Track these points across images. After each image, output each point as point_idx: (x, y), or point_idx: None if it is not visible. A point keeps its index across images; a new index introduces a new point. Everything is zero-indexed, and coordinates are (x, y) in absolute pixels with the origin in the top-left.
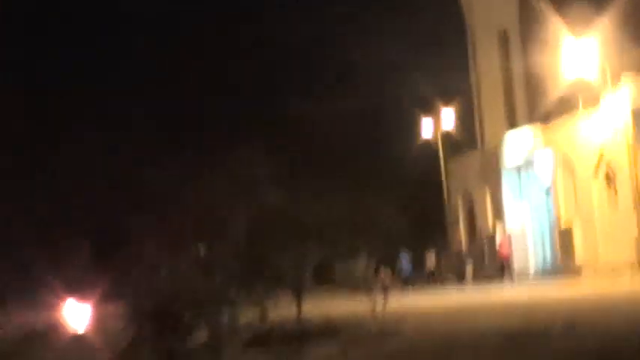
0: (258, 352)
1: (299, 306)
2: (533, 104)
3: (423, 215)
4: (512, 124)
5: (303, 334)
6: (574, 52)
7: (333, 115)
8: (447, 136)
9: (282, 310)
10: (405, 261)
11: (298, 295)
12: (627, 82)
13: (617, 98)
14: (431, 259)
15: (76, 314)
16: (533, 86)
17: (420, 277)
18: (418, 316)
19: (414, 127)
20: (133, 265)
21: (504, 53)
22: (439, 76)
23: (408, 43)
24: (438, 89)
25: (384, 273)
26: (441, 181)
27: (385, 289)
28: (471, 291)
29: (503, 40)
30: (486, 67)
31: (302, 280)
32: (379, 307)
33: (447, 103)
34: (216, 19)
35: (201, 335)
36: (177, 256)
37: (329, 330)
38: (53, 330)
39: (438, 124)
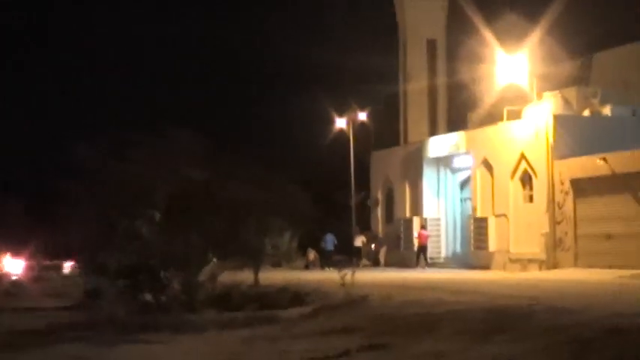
0: (232, 314)
1: (256, 273)
2: (455, 110)
3: (332, 199)
4: (434, 126)
5: (267, 297)
6: (502, 64)
7: (264, 114)
8: (365, 132)
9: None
10: (329, 242)
11: (256, 264)
12: (549, 95)
13: (541, 108)
14: (359, 241)
15: (13, 266)
16: (457, 94)
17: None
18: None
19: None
20: (75, 224)
21: (432, 61)
22: (367, 77)
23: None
24: (364, 90)
25: (310, 252)
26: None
27: (307, 267)
28: (392, 271)
29: (432, 48)
30: (414, 71)
31: (260, 250)
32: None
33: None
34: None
35: (172, 291)
36: (133, 219)
37: (290, 295)
38: None
39: (353, 119)
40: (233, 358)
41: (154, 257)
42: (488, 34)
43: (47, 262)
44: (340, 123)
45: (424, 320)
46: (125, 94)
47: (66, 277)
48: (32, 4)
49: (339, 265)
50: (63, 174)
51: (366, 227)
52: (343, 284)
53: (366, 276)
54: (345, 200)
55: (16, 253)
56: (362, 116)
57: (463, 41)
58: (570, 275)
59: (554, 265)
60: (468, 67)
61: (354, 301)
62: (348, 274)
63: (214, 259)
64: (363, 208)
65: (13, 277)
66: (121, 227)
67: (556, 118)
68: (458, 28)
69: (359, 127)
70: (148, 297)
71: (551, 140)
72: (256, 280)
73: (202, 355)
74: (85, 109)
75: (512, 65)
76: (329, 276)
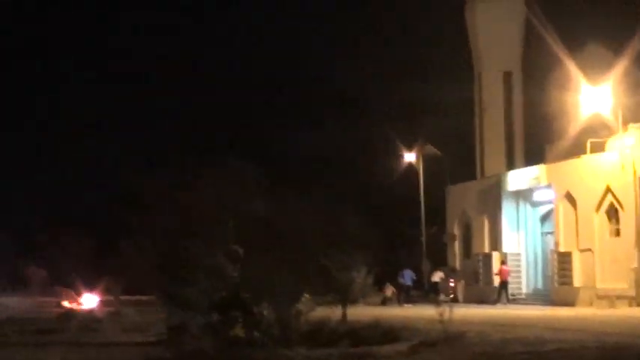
0: (326, 350)
1: (344, 309)
2: (533, 143)
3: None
4: (511, 160)
5: (357, 333)
6: (585, 95)
7: (334, 142)
8: (436, 166)
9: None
10: (407, 277)
11: (344, 299)
12: (634, 127)
13: (625, 140)
14: (437, 276)
15: (88, 301)
16: (534, 126)
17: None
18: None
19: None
20: (147, 258)
21: (508, 93)
22: (442, 110)
23: (418, 77)
24: (439, 123)
25: (388, 287)
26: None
27: (384, 303)
28: (474, 308)
29: (508, 80)
30: (490, 104)
31: (350, 285)
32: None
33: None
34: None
35: (265, 326)
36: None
37: (381, 331)
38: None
39: (421, 152)
40: None
41: (247, 292)
42: (569, 64)
43: (121, 297)
44: (409, 157)
45: (530, 359)
46: (183, 122)
47: (142, 311)
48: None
49: (417, 302)
50: (129, 206)
51: (440, 262)
52: (442, 321)
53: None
54: (416, 235)
55: (89, 288)
56: (432, 149)
57: (541, 72)
58: None
59: None
60: (545, 98)
61: (453, 338)
62: (446, 310)
63: (306, 295)
64: (434, 242)
65: (89, 312)
66: (203, 262)
67: None
68: (535, 59)
69: (429, 161)
70: (239, 332)
71: (639, 173)
72: (344, 315)
73: None
74: (147, 137)
75: (596, 96)
76: (415, 312)
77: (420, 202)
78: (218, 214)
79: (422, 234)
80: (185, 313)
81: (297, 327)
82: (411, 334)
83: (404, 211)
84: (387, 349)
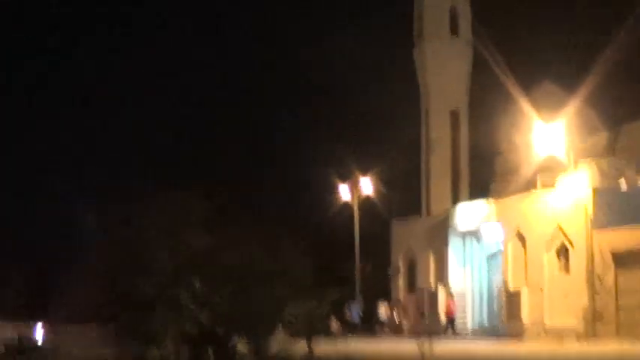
0: None
1: (309, 343)
2: (479, 180)
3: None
4: (456, 197)
5: None
6: (538, 134)
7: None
8: (368, 202)
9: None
10: (354, 311)
11: (309, 333)
12: (586, 165)
13: (576, 178)
14: (382, 309)
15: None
16: (480, 165)
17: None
18: None
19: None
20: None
21: (454, 131)
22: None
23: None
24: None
25: (332, 321)
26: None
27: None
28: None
29: (455, 118)
30: (436, 141)
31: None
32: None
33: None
34: None
35: None
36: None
37: None
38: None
39: (356, 189)
40: None
41: (221, 325)
42: (521, 101)
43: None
44: (345, 194)
45: None
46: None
47: (82, 345)
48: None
49: (364, 335)
50: (65, 241)
51: (375, 299)
52: (422, 356)
53: (404, 347)
54: (350, 271)
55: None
56: (366, 185)
57: (489, 111)
58: (616, 347)
59: (594, 337)
60: (493, 136)
61: None
62: (426, 344)
63: (280, 327)
64: (369, 279)
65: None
66: (162, 295)
67: (595, 190)
68: (484, 97)
69: (365, 200)
70: None
71: (590, 212)
72: (310, 349)
73: None
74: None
75: (548, 134)
76: (371, 346)
77: (354, 239)
78: (162, 247)
79: (356, 270)
80: (145, 346)
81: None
82: None
83: (340, 247)
84: None
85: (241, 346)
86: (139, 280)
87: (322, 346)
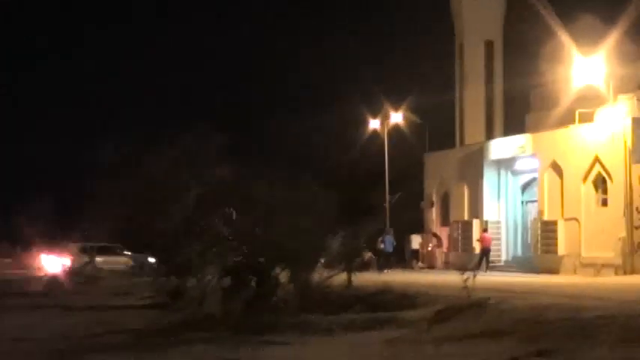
0: (347, 315)
1: (349, 275)
2: (514, 112)
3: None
4: (490, 129)
5: (366, 299)
6: (577, 66)
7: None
8: (399, 135)
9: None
10: (388, 243)
11: (347, 265)
12: (625, 97)
13: (615, 110)
14: (416, 241)
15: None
16: (515, 95)
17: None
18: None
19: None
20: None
21: (489, 62)
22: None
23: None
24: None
25: (365, 253)
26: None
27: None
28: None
29: (489, 49)
30: (471, 73)
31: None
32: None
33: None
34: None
35: (283, 291)
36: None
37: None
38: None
39: (387, 121)
40: None
41: (262, 256)
42: (559, 34)
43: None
44: (374, 124)
45: (575, 326)
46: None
47: (116, 272)
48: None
49: (395, 267)
50: (92, 173)
51: (406, 229)
52: (466, 287)
53: (437, 278)
54: (380, 201)
55: (50, 250)
56: (397, 117)
57: (525, 42)
58: None
59: (632, 271)
60: (529, 68)
61: (477, 304)
62: (469, 276)
63: (321, 260)
64: (397, 210)
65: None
66: (199, 226)
67: (635, 121)
68: (520, 28)
69: (394, 130)
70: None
71: (629, 144)
72: (350, 281)
73: (361, 356)
74: (111, 106)
75: (587, 66)
76: (405, 277)
77: (384, 171)
78: (185, 180)
79: (385, 201)
80: (181, 277)
81: (316, 293)
82: (428, 300)
83: (369, 180)
84: (411, 314)
85: (283, 277)
86: (167, 210)
87: (359, 277)
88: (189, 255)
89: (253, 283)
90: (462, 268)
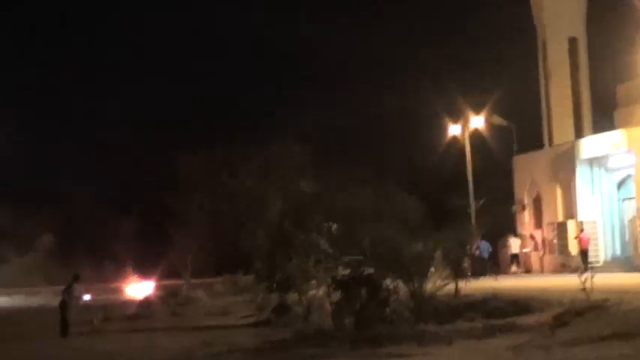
0: (466, 323)
1: (457, 283)
2: (602, 108)
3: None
4: (579, 127)
5: (476, 306)
6: None
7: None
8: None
9: None
10: (485, 249)
11: (456, 273)
12: None
13: None
14: (515, 245)
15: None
16: (602, 92)
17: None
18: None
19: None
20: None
21: (573, 59)
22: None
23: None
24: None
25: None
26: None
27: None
28: (558, 277)
29: (573, 46)
30: (555, 71)
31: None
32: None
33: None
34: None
35: (396, 303)
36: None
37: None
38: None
39: (467, 125)
40: None
41: (371, 268)
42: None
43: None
44: (454, 130)
45: None
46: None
47: (211, 295)
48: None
49: (493, 273)
50: (170, 190)
51: (504, 233)
52: (584, 289)
53: (540, 282)
54: (464, 208)
55: (141, 273)
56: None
57: (608, 38)
58: None
59: None
60: (613, 63)
61: (598, 306)
62: (588, 278)
63: (432, 269)
64: (481, 214)
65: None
66: (299, 240)
67: None
68: (602, 24)
69: (473, 134)
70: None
71: None
72: (457, 290)
73: None
74: (187, 121)
75: None
76: (508, 283)
77: (466, 176)
78: (272, 195)
79: (470, 207)
80: (283, 292)
81: (429, 303)
82: (541, 305)
83: (451, 186)
84: (528, 319)
85: (399, 286)
86: (257, 230)
87: (463, 285)
88: (291, 270)
89: (364, 295)
90: (557, 271)
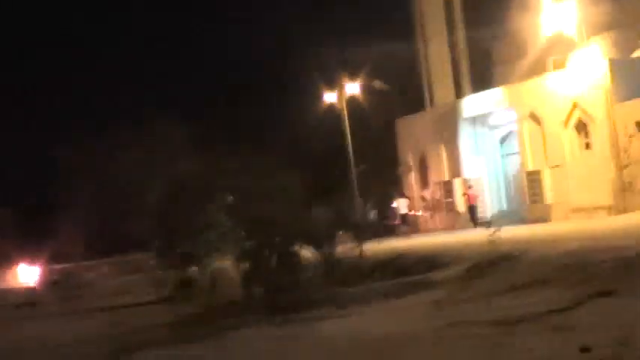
0: (380, 283)
1: (361, 246)
2: (480, 66)
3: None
4: (458, 86)
5: (386, 266)
6: (545, 12)
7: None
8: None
9: None
10: (371, 211)
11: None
12: (598, 38)
13: (589, 53)
14: (403, 205)
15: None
16: (481, 51)
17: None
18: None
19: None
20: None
21: (450, 17)
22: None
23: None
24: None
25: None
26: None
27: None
28: (451, 234)
29: (448, 4)
30: (432, 33)
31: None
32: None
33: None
34: None
35: (307, 268)
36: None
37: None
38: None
39: (343, 92)
40: (452, 321)
41: (278, 236)
42: None
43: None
44: (330, 97)
45: (618, 266)
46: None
47: (103, 276)
48: None
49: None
50: (51, 179)
51: (390, 196)
52: (493, 241)
53: (434, 240)
54: (346, 176)
55: (26, 260)
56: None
57: None
58: None
59: (624, 210)
60: (491, 19)
61: (509, 257)
62: (495, 232)
63: (340, 233)
64: (364, 180)
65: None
66: (194, 216)
67: (612, 62)
68: None
69: (351, 99)
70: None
71: (608, 84)
72: (361, 252)
73: (415, 320)
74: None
75: (551, 13)
76: (408, 242)
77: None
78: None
79: (352, 173)
80: (184, 268)
81: (339, 266)
82: (449, 260)
83: (336, 156)
84: (442, 274)
85: (306, 252)
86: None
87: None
88: (192, 245)
89: (274, 263)
90: (447, 229)
